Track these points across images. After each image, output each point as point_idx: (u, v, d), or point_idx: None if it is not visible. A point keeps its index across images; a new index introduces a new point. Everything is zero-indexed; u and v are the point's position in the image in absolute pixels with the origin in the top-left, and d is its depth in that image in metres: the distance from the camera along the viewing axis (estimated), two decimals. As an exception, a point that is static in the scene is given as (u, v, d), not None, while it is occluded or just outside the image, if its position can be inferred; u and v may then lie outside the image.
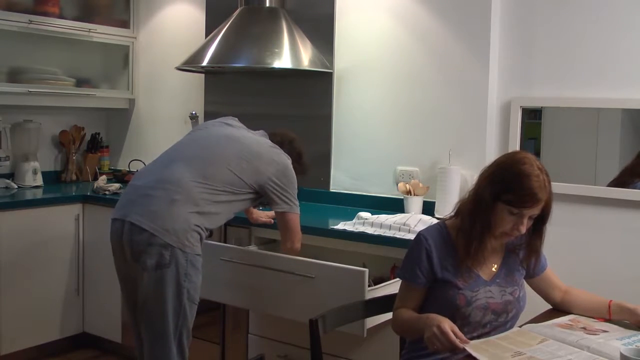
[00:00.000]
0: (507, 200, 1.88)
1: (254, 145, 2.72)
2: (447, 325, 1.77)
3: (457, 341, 1.74)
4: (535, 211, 1.90)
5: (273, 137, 2.85)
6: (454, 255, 1.99)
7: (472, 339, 1.82)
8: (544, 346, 1.76)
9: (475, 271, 1.99)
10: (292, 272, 2.67)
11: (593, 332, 1.89)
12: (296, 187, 2.76)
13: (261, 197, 2.75)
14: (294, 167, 2.80)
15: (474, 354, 1.69)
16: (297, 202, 2.75)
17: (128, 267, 2.61)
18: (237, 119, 2.91)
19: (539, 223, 1.96)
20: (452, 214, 2.06)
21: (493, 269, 2.02)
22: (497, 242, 2.00)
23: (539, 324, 1.98)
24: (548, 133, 3.09)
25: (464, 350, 1.73)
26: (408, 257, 2.04)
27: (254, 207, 3.11)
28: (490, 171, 1.95)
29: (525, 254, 2.05)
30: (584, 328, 1.93)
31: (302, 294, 2.65)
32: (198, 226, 2.55)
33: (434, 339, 1.77)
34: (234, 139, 2.73)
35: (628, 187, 2.82)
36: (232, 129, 2.80)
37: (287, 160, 2.75)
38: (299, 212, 2.77)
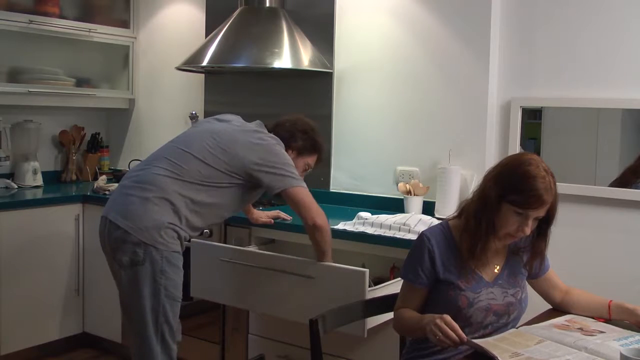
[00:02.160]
0: (512, 200, 1.88)
1: (235, 134, 2.63)
2: (450, 319, 1.79)
3: (460, 332, 1.74)
4: (541, 213, 1.90)
5: (277, 126, 2.77)
6: (457, 256, 1.98)
7: (472, 339, 1.82)
8: (542, 347, 1.76)
9: (477, 272, 1.99)
10: (292, 272, 2.66)
11: (590, 333, 1.89)
12: (290, 162, 2.59)
13: (256, 187, 2.64)
14: (300, 146, 2.72)
15: (478, 342, 1.70)
16: (296, 174, 2.56)
17: (111, 264, 2.63)
18: (236, 115, 2.84)
19: (544, 225, 1.96)
20: (455, 214, 2.06)
21: (495, 271, 2.02)
22: (500, 243, 2.00)
23: (536, 324, 1.98)
24: (548, 133, 3.09)
25: (466, 341, 1.73)
26: (410, 257, 2.04)
27: (254, 205, 3.10)
28: (496, 172, 1.95)
29: (530, 256, 2.05)
30: (581, 329, 1.93)
31: (302, 295, 2.65)
32: (172, 224, 2.53)
33: (436, 329, 1.77)
34: (214, 132, 2.65)
35: (631, 187, 2.82)
36: (221, 123, 2.73)
37: (272, 141, 2.62)
38: (303, 185, 2.56)
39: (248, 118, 3.07)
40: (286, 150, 2.68)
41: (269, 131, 2.72)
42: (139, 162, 2.81)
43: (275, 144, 2.63)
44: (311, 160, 2.81)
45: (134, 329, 2.60)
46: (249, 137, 2.62)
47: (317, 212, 2.56)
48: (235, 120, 2.77)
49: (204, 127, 2.75)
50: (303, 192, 2.55)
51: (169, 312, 2.57)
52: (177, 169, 2.57)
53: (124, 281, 2.56)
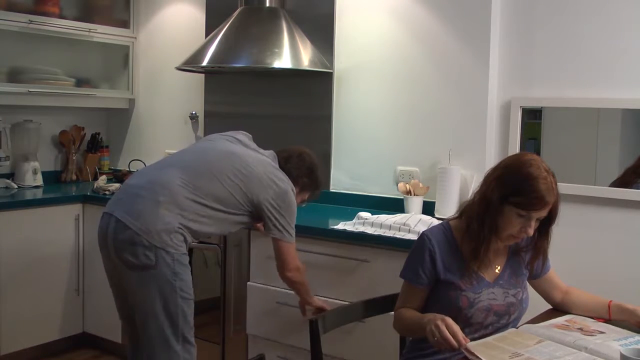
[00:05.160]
0: (515, 202, 1.87)
1: (255, 165, 2.66)
2: (452, 322, 1.77)
3: (459, 336, 1.73)
4: (543, 213, 1.89)
5: (281, 154, 2.81)
6: (458, 256, 1.98)
7: (473, 339, 1.82)
8: (542, 347, 1.76)
9: (478, 273, 1.98)
10: (347, 257, 2.86)
11: (590, 333, 1.89)
12: (294, 214, 2.70)
13: (257, 219, 2.71)
14: (304, 183, 2.81)
15: (474, 351, 1.69)
16: (292, 231, 2.68)
17: (112, 263, 2.61)
18: (249, 135, 2.85)
19: (546, 224, 1.96)
20: (456, 215, 2.06)
21: (496, 271, 2.02)
22: (502, 244, 2.00)
23: (536, 324, 1.98)
24: (548, 133, 3.09)
25: (463, 348, 1.72)
26: (411, 257, 2.04)
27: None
28: (498, 174, 1.95)
29: (532, 255, 2.05)
30: (581, 329, 1.93)
31: (358, 278, 2.82)
32: (181, 228, 2.54)
33: (435, 331, 1.76)
34: (235, 156, 2.67)
35: (631, 187, 2.82)
36: (238, 146, 2.75)
37: (289, 187, 2.68)
38: (293, 242, 2.69)
39: (248, 118, 3.09)
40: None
41: (280, 166, 2.77)
42: (149, 165, 2.80)
43: (290, 191, 2.69)
44: (308, 196, 2.90)
45: (147, 332, 2.57)
46: (270, 174, 2.67)
47: (292, 267, 2.71)
48: (250, 143, 2.80)
49: (222, 147, 2.73)
50: (289, 248, 2.70)
51: (187, 312, 2.58)
52: (193, 180, 2.57)
53: (133, 284, 2.54)
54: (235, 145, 2.75)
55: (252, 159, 2.68)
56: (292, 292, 2.84)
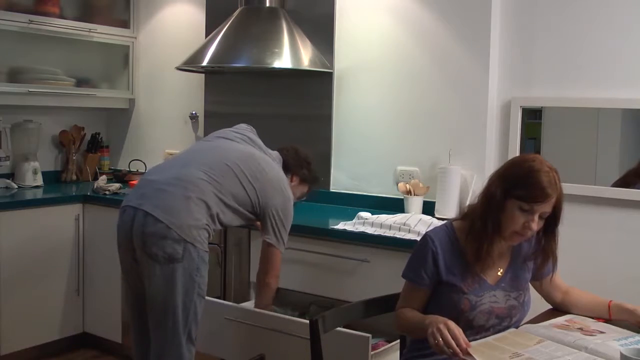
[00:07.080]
0: (517, 195, 1.87)
1: (269, 170, 2.75)
2: (454, 325, 1.77)
3: (461, 341, 1.72)
4: (546, 208, 1.89)
5: (281, 152, 2.90)
6: (461, 258, 1.98)
7: (473, 341, 1.82)
8: (542, 347, 1.76)
9: (481, 275, 1.98)
10: (347, 257, 2.88)
11: (590, 333, 1.89)
12: (291, 223, 2.77)
13: (257, 220, 2.78)
14: (304, 175, 2.90)
15: (473, 354, 1.69)
16: (285, 241, 2.75)
17: (135, 258, 2.61)
18: (254, 130, 2.92)
19: (551, 225, 1.96)
20: (460, 216, 2.06)
21: (498, 273, 2.01)
22: (506, 244, 1.99)
23: (536, 324, 1.98)
24: (548, 133, 3.09)
25: (464, 353, 1.71)
26: (413, 258, 2.04)
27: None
28: (501, 171, 1.96)
29: (542, 259, 2.04)
30: (581, 329, 1.93)
31: (359, 278, 2.84)
32: (207, 225, 2.59)
33: (437, 334, 1.75)
34: (253, 158, 2.75)
35: (633, 188, 2.82)
36: (254, 148, 2.82)
37: (291, 195, 2.78)
38: (282, 251, 2.76)
39: (248, 118, 3.08)
40: (291, 177, 2.88)
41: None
42: (166, 161, 2.82)
43: (292, 200, 2.78)
44: (307, 189, 2.99)
45: (162, 326, 2.58)
46: (279, 180, 2.76)
47: (276, 275, 2.77)
48: (258, 140, 2.88)
49: (241, 148, 2.80)
50: (278, 256, 2.75)
51: (198, 310, 2.60)
52: (218, 178, 2.63)
53: (157, 277, 2.54)
54: (250, 146, 2.82)
55: (266, 163, 2.77)
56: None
